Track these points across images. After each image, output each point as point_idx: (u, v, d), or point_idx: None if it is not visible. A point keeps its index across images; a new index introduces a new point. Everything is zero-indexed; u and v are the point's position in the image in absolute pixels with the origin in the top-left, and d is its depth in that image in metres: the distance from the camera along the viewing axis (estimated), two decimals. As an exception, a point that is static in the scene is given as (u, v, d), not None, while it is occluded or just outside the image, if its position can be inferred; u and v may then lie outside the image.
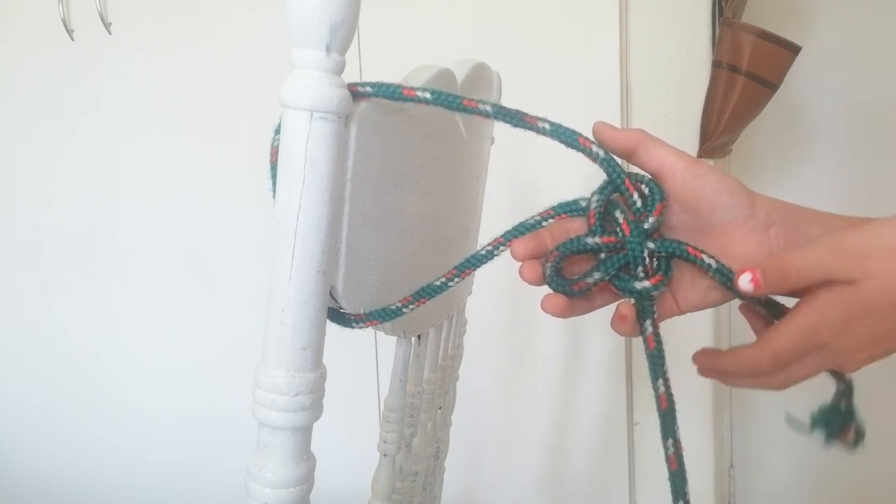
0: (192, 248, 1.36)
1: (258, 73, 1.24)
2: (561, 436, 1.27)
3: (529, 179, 1.17)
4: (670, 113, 1.15)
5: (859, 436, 0.47)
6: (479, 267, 0.49)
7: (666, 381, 0.45)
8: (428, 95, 0.43)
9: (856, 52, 1.27)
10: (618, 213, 0.45)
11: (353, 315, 0.48)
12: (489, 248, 0.47)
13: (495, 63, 0.69)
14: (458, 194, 0.65)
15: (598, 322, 0.48)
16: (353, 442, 1.16)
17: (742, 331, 0.50)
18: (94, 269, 1.42)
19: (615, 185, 0.46)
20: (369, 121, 0.43)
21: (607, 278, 0.45)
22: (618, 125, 0.47)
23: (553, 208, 0.47)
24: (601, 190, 0.46)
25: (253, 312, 1.30)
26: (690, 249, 0.45)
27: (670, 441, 0.44)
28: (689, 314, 0.48)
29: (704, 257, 0.45)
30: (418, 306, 0.50)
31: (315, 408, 0.44)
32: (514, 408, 1.28)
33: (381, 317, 0.49)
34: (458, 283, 0.49)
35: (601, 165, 0.45)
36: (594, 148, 0.45)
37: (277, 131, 0.41)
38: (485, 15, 1.19)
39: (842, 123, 1.29)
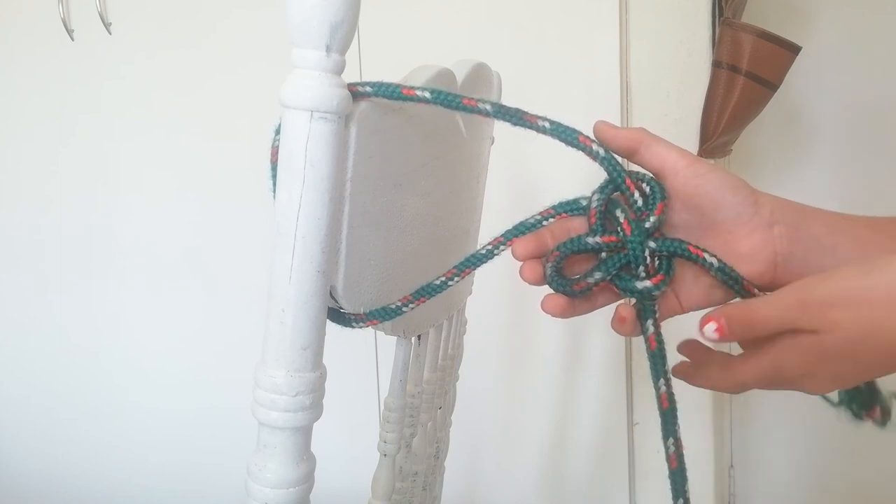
0: (192, 248, 1.36)
1: (258, 73, 1.24)
2: (561, 436, 1.27)
3: (529, 179, 1.17)
4: (670, 113, 1.15)
5: (886, 414, 0.46)
6: (479, 266, 0.49)
7: (668, 380, 0.44)
8: (427, 95, 0.43)
9: (856, 52, 1.27)
10: (619, 213, 0.45)
11: (354, 315, 0.48)
12: (489, 247, 0.47)
13: (495, 63, 0.69)
14: (458, 194, 0.65)
15: (598, 322, 0.48)
16: (353, 442, 1.16)
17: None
18: (94, 269, 1.42)
19: (616, 184, 0.45)
20: (369, 121, 0.43)
21: (608, 278, 0.45)
22: (618, 125, 0.47)
23: (553, 207, 0.47)
24: (602, 189, 0.46)
25: (253, 312, 1.30)
26: (692, 248, 0.44)
27: (671, 440, 0.44)
28: (691, 313, 0.48)
29: (706, 256, 0.45)
30: (418, 305, 0.50)
31: (315, 408, 0.44)
32: (514, 408, 1.28)
33: (381, 316, 0.49)
34: (458, 282, 0.49)
35: (602, 164, 0.45)
36: (594, 146, 0.44)
37: (278, 132, 0.41)
38: (485, 15, 1.19)
39: (842, 123, 1.29)
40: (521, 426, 1.28)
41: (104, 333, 1.43)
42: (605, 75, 1.15)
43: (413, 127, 0.51)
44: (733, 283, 0.45)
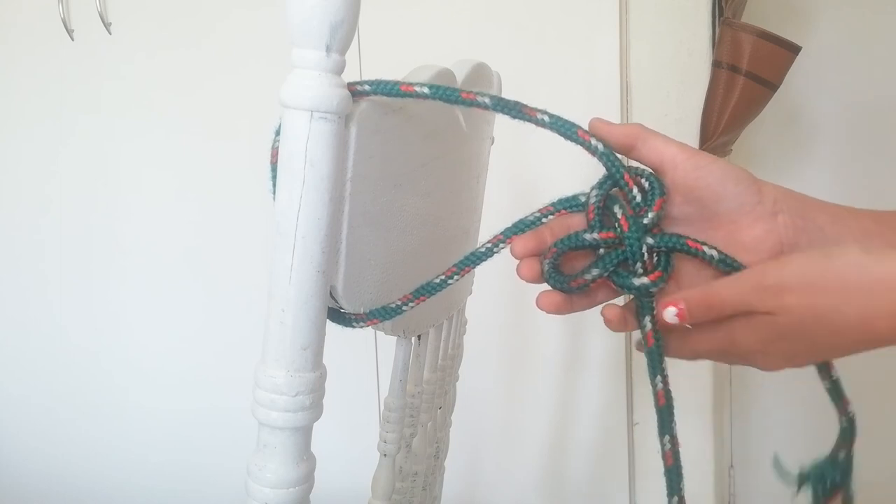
0: (192, 248, 1.36)
1: (258, 73, 1.24)
2: (561, 436, 1.27)
3: (529, 179, 1.17)
4: (670, 113, 1.15)
5: (847, 502, 0.47)
6: (478, 264, 0.48)
7: (664, 377, 0.44)
8: (426, 90, 0.43)
9: (856, 52, 1.27)
10: (616, 209, 0.45)
11: (354, 315, 0.48)
12: (489, 245, 0.47)
13: (495, 63, 0.69)
14: (458, 194, 0.65)
15: (598, 322, 0.48)
16: (353, 442, 1.16)
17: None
18: (94, 269, 1.42)
19: (614, 180, 0.45)
20: (369, 121, 0.43)
21: (606, 274, 0.45)
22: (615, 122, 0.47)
23: (553, 204, 0.47)
24: (600, 184, 0.46)
25: (253, 312, 1.30)
26: (690, 242, 0.44)
27: (667, 437, 0.44)
28: None
29: (706, 249, 0.44)
30: (418, 304, 0.50)
31: (315, 408, 0.44)
32: (514, 408, 1.28)
33: (381, 315, 0.49)
34: (457, 280, 0.49)
35: (600, 159, 0.45)
36: (593, 141, 0.44)
37: (278, 132, 0.41)
38: (485, 15, 1.19)
39: (842, 123, 1.29)
40: (521, 426, 1.28)
41: (104, 333, 1.43)
42: (605, 75, 1.15)
43: (413, 127, 0.51)
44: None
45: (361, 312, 0.48)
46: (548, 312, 0.47)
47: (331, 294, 0.45)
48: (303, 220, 0.40)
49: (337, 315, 0.48)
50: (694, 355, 0.46)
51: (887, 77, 1.26)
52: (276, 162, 0.41)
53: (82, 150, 1.39)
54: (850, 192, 1.28)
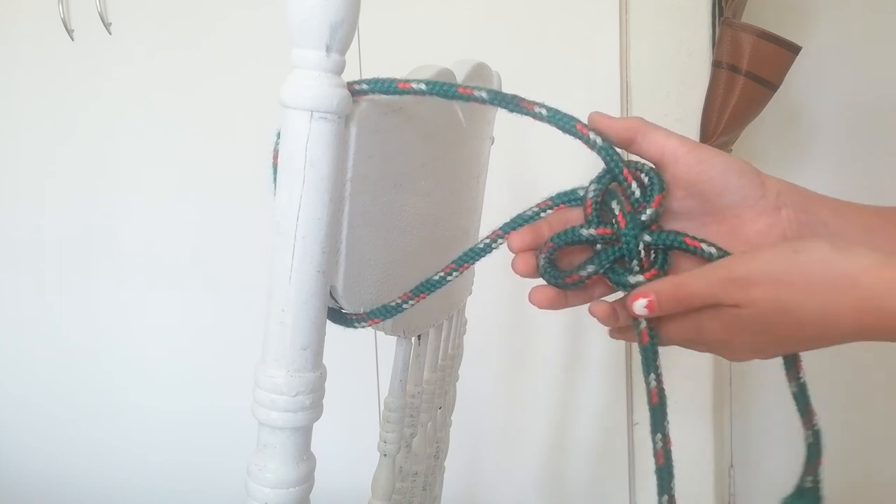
0: (192, 248, 1.36)
1: (258, 73, 1.24)
2: (561, 436, 1.27)
3: (529, 179, 1.17)
4: (670, 113, 1.15)
5: None
6: (477, 260, 0.48)
7: (658, 375, 0.44)
8: (423, 87, 0.43)
9: (856, 52, 1.27)
10: (614, 204, 0.44)
11: (355, 315, 0.48)
12: (487, 240, 0.47)
13: (495, 63, 0.69)
14: (458, 194, 0.65)
15: (598, 322, 0.48)
16: (353, 442, 1.16)
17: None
18: (94, 269, 1.42)
19: (613, 175, 0.44)
20: (369, 121, 0.43)
21: (601, 271, 0.45)
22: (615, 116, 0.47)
23: (551, 198, 0.47)
24: (599, 179, 0.45)
25: (253, 312, 1.30)
26: (689, 240, 0.44)
27: (659, 436, 0.44)
28: None
29: (704, 247, 0.44)
30: (418, 301, 0.50)
31: (315, 408, 0.44)
32: (514, 408, 1.28)
33: (381, 314, 0.49)
34: (456, 276, 0.49)
35: (599, 154, 0.44)
36: (591, 135, 0.44)
37: (280, 135, 0.41)
38: (485, 15, 1.19)
39: (842, 123, 1.29)
40: (521, 426, 1.28)
41: (104, 333, 1.43)
42: (605, 75, 1.15)
43: (413, 127, 0.51)
44: None
45: (362, 312, 0.48)
46: (540, 307, 0.46)
47: (331, 294, 0.45)
48: (303, 220, 0.40)
49: (338, 316, 0.48)
50: (662, 342, 0.46)
51: (887, 77, 1.26)
52: (278, 164, 0.41)
53: (82, 150, 1.39)
54: (850, 191, 1.27)
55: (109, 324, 1.43)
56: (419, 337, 0.64)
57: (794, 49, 1.05)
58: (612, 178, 0.45)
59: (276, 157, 0.42)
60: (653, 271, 0.44)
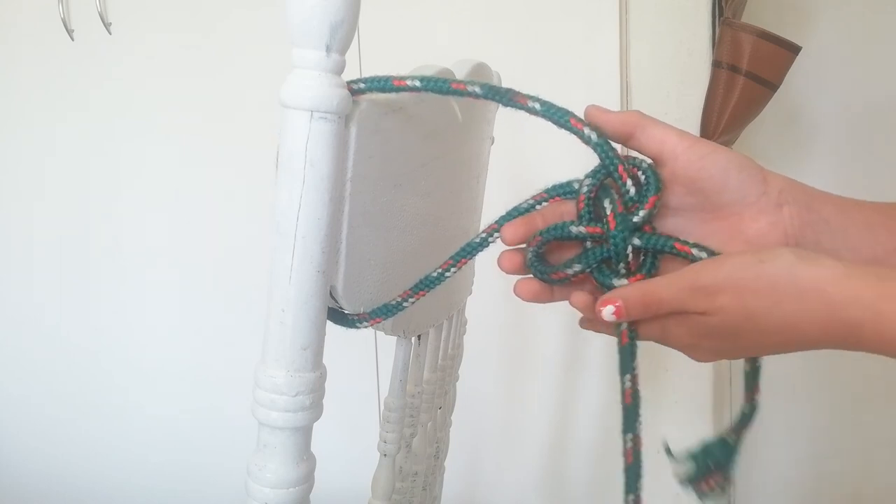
0: (192, 248, 1.36)
1: (258, 74, 1.24)
2: (561, 436, 1.27)
3: (529, 179, 1.17)
4: (670, 113, 1.15)
5: (720, 488, 0.47)
6: (474, 255, 0.48)
7: (634, 377, 0.44)
8: (418, 83, 0.43)
9: (856, 52, 1.27)
10: (606, 203, 0.43)
11: (356, 315, 0.48)
12: (483, 235, 0.47)
13: (495, 63, 0.69)
14: (458, 194, 0.65)
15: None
16: (353, 442, 1.16)
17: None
18: (93, 269, 1.42)
19: (608, 171, 0.44)
20: (369, 121, 0.43)
21: (588, 270, 0.44)
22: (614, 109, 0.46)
23: (546, 191, 0.46)
24: (594, 174, 0.44)
25: (253, 312, 1.30)
26: (679, 245, 0.43)
27: (630, 435, 0.45)
28: None
29: (694, 251, 0.43)
30: (418, 299, 0.50)
31: (315, 408, 0.44)
32: (514, 408, 1.28)
33: (382, 313, 0.49)
34: (454, 272, 0.49)
35: (594, 149, 0.43)
36: (586, 130, 0.43)
37: None
38: (485, 15, 1.19)
39: (842, 123, 1.29)
40: (521, 426, 1.28)
41: (104, 333, 1.43)
42: (605, 75, 1.15)
43: (413, 127, 0.51)
44: None
45: (363, 312, 0.48)
46: (525, 300, 0.46)
47: (331, 294, 0.45)
48: (303, 220, 0.40)
49: (338, 316, 0.48)
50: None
51: (887, 77, 1.26)
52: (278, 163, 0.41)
53: (82, 150, 1.39)
54: (850, 191, 1.27)
55: (109, 324, 1.43)
56: (419, 337, 0.64)
57: (794, 49, 1.05)
58: (606, 174, 0.44)
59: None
60: (638, 276, 0.44)
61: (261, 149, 1.03)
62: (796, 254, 0.39)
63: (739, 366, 0.48)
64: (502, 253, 0.46)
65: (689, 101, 1.14)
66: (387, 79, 0.42)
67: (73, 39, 1.34)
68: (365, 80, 0.42)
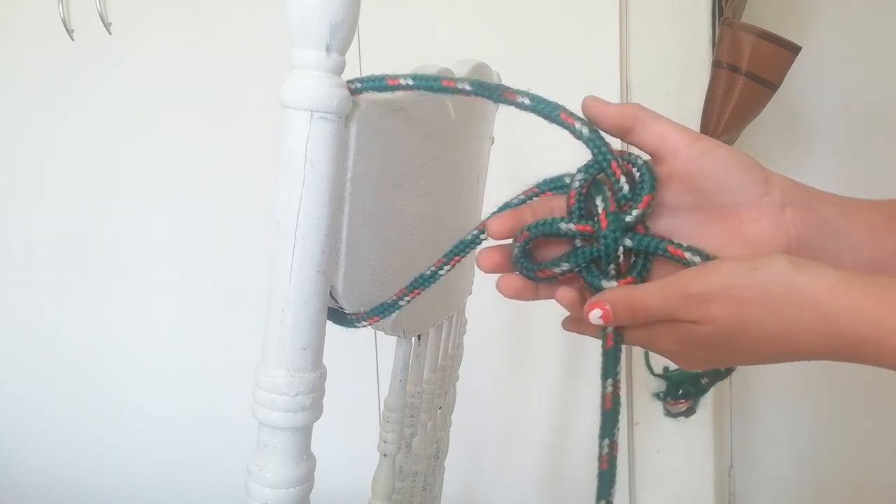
0: (191, 248, 1.36)
1: (258, 74, 1.24)
2: (561, 436, 1.27)
3: (529, 179, 1.16)
4: (670, 113, 1.14)
5: (690, 411, 0.47)
6: (466, 252, 0.47)
7: (615, 382, 0.42)
8: (410, 81, 0.43)
9: (856, 52, 1.27)
10: (599, 201, 0.42)
11: (353, 314, 0.48)
12: (475, 232, 0.46)
13: (495, 63, 0.69)
14: (458, 194, 0.65)
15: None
16: (353, 442, 1.16)
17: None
18: (93, 269, 1.42)
19: (601, 167, 0.42)
20: (369, 121, 0.43)
21: (576, 270, 0.43)
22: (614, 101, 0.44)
23: (538, 185, 0.45)
24: (586, 168, 0.42)
25: (253, 312, 1.30)
26: (672, 249, 0.41)
27: (606, 441, 0.42)
28: None
29: (688, 255, 0.41)
30: (413, 297, 0.50)
31: (315, 408, 0.44)
32: (514, 408, 1.28)
33: (378, 312, 0.49)
34: (448, 270, 0.48)
35: (587, 145, 0.42)
36: (577, 124, 0.41)
37: None
38: (485, 15, 1.19)
39: (842, 123, 1.29)
40: (521, 426, 1.28)
41: (104, 333, 1.43)
42: (605, 75, 1.15)
43: (413, 127, 0.51)
44: None
45: (361, 311, 0.48)
46: (507, 296, 0.45)
47: (331, 294, 0.45)
48: (303, 220, 0.40)
49: (337, 315, 0.48)
50: None
51: (887, 77, 1.26)
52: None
53: (82, 150, 1.39)
54: (850, 192, 1.27)
55: (109, 324, 1.43)
56: (419, 337, 0.64)
57: (794, 49, 1.05)
58: (599, 169, 0.42)
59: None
60: (629, 279, 0.42)
61: (261, 149, 1.03)
62: (791, 261, 0.37)
63: (739, 367, 0.47)
64: (482, 251, 0.44)
65: (689, 101, 1.14)
66: (381, 78, 0.42)
67: (73, 39, 1.34)
68: (361, 80, 0.42)
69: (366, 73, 0.42)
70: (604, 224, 0.41)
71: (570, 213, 0.43)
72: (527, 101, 0.41)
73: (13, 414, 1.51)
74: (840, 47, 1.28)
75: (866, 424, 1.33)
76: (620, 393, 0.43)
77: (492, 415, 1.29)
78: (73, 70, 1.36)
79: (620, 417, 0.43)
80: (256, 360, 0.43)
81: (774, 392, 1.38)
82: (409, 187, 0.52)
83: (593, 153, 0.42)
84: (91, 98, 1.36)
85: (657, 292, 0.40)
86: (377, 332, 0.72)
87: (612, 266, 0.42)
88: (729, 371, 0.47)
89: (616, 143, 0.43)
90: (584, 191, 0.42)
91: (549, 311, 0.48)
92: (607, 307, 0.41)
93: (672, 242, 0.41)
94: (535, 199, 0.45)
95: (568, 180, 0.43)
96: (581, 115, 0.43)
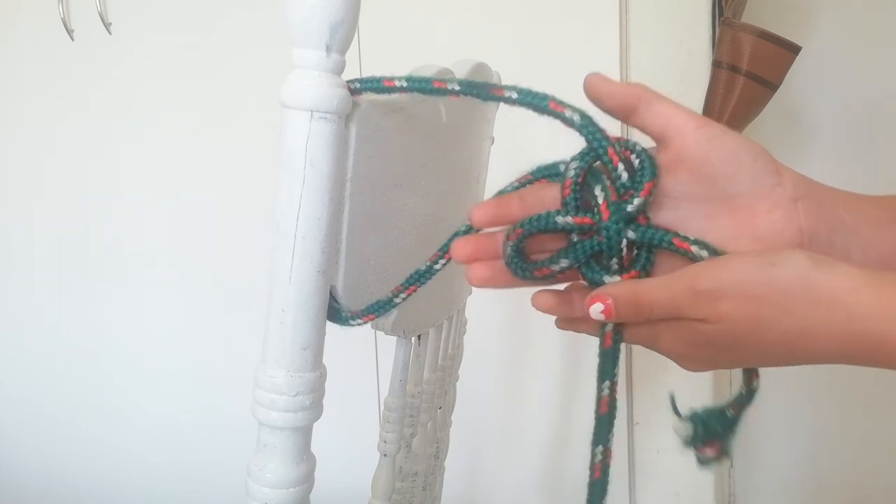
0: (191, 248, 1.36)
1: (258, 74, 1.24)
2: (561, 436, 1.27)
3: (529, 179, 1.17)
4: (670, 113, 1.15)
5: (722, 455, 0.44)
6: None
7: (613, 384, 0.40)
8: (404, 83, 0.42)
9: (856, 52, 1.27)
10: (598, 190, 0.39)
11: (349, 312, 0.48)
12: (467, 224, 0.44)
13: (495, 63, 0.69)
14: (458, 194, 0.65)
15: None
16: (353, 442, 1.16)
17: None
18: (93, 269, 1.42)
19: (596, 154, 0.39)
20: (369, 121, 0.43)
21: (576, 265, 0.40)
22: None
23: (531, 173, 0.43)
24: (581, 156, 0.40)
25: (253, 312, 1.30)
26: (677, 241, 0.39)
27: (600, 448, 0.39)
28: None
29: (694, 249, 0.38)
30: (409, 295, 0.49)
31: (315, 408, 0.44)
32: (514, 408, 1.28)
33: (374, 310, 0.49)
34: (443, 265, 0.47)
35: (580, 132, 0.39)
36: (568, 112, 0.39)
37: None
38: (485, 15, 1.19)
39: (842, 123, 1.29)
40: (521, 426, 1.28)
41: (104, 333, 1.43)
42: (605, 75, 1.15)
43: (413, 127, 0.51)
44: None
45: (356, 309, 0.48)
46: (476, 286, 0.42)
47: (331, 294, 0.45)
48: (303, 220, 0.40)
49: (331, 313, 0.48)
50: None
51: (887, 77, 1.26)
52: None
53: (82, 150, 1.39)
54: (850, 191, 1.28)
55: (109, 324, 1.43)
56: (419, 337, 0.64)
57: (794, 49, 1.05)
58: (595, 157, 0.40)
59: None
60: (633, 273, 0.39)
61: (261, 149, 1.03)
62: (811, 258, 0.35)
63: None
64: (456, 241, 0.41)
65: (689, 101, 1.14)
66: (378, 79, 0.42)
67: (73, 39, 1.34)
68: (361, 81, 0.42)
69: (366, 73, 0.42)
70: (605, 215, 0.39)
71: (564, 204, 0.40)
72: (514, 95, 0.39)
73: (13, 414, 1.51)
74: (840, 47, 1.28)
75: (866, 424, 1.33)
76: (617, 396, 0.40)
77: (492, 415, 1.29)
78: (73, 70, 1.36)
79: (620, 418, 0.42)
80: (256, 360, 0.43)
81: (774, 392, 1.38)
82: (409, 187, 0.52)
83: (588, 140, 0.39)
84: (91, 98, 1.36)
85: (663, 287, 0.38)
86: (377, 332, 0.72)
87: (614, 260, 0.39)
88: (752, 395, 0.44)
89: (615, 137, 0.41)
90: (579, 180, 0.40)
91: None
92: (609, 302, 0.38)
93: (678, 235, 0.39)
94: (525, 186, 0.42)
95: (562, 168, 0.41)
96: (571, 104, 0.40)
